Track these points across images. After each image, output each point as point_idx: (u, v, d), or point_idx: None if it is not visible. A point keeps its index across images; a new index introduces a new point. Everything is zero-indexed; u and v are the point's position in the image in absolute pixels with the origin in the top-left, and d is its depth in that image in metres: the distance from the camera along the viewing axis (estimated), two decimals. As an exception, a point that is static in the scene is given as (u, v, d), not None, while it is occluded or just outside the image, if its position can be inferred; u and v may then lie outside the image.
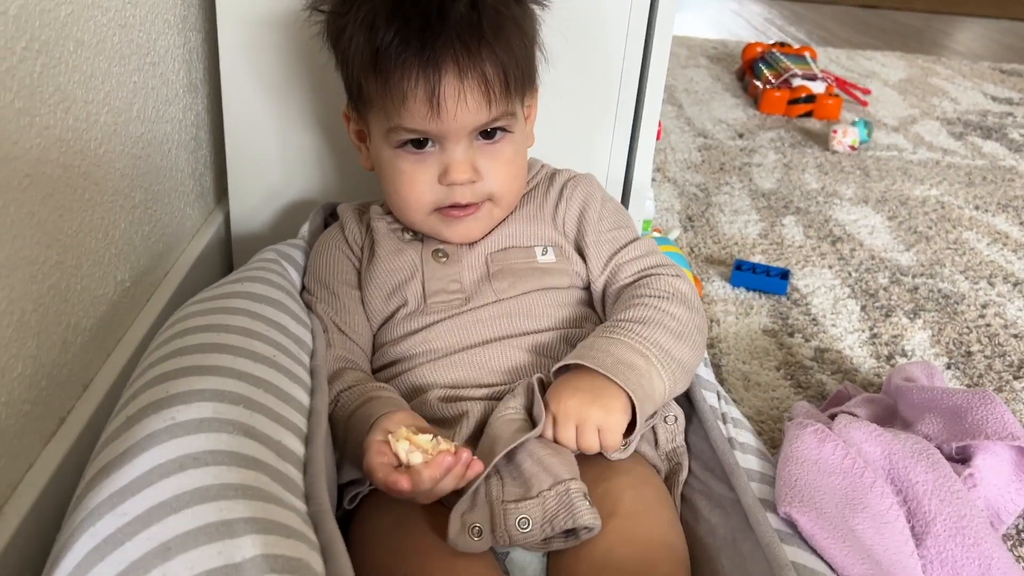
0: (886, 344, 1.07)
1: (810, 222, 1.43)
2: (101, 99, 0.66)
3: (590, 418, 0.60)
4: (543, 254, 0.73)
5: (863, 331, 1.10)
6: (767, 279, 1.17)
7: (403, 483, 0.54)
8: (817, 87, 2.04)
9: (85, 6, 0.63)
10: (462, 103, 0.65)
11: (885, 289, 1.22)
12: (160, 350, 0.58)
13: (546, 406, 0.61)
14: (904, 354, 1.06)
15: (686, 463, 0.68)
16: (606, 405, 0.60)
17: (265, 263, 0.73)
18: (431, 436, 0.57)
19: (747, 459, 0.68)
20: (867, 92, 2.24)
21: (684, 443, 0.69)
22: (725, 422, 0.71)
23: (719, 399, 0.74)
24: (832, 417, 0.77)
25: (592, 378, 0.61)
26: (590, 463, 0.62)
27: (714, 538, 0.63)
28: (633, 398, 0.60)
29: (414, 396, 0.66)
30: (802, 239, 1.36)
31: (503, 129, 0.69)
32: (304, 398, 0.58)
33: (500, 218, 0.73)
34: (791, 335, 1.08)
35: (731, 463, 0.65)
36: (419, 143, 0.68)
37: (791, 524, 0.63)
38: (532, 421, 0.61)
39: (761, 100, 2.05)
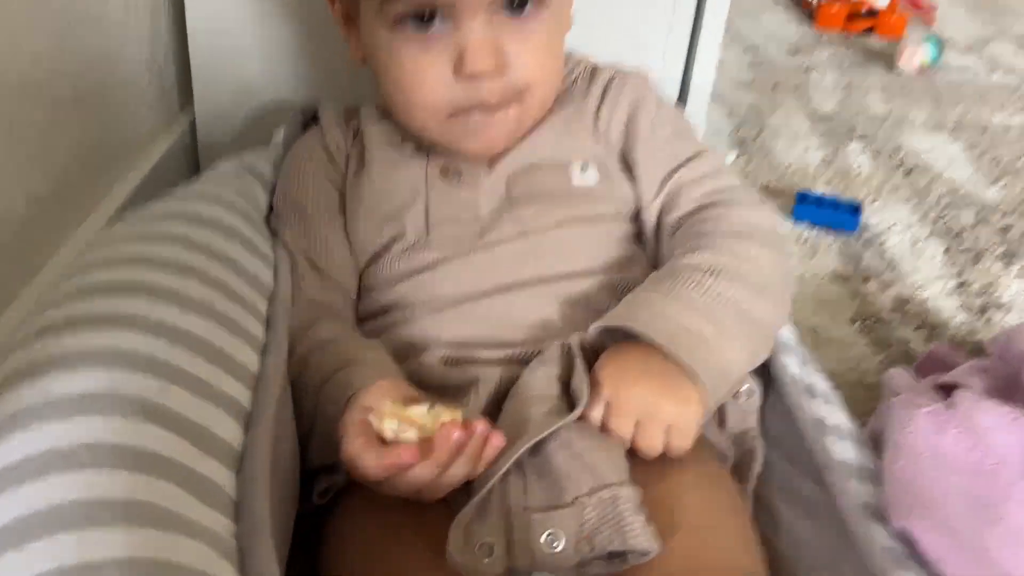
0: (977, 294, 0.90)
1: (878, 150, 1.24)
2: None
3: (660, 414, 0.44)
4: (581, 173, 0.56)
5: (949, 278, 0.93)
6: (835, 213, 0.99)
7: (404, 458, 0.39)
8: (880, 2, 1.81)
9: None
10: None
11: (971, 229, 1.04)
12: (55, 292, 0.42)
13: (596, 384, 0.45)
14: (1000, 307, 0.89)
15: (760, 451, 0.52)
16: (681, 394, 0.44)
17: (221, 176, 0.57)
18: (427, 406, 0.41)
19: (843, 448, 0.52)
20: (933, 8, 2.00)
21: (757, 424, 0.53)
22: (812, 396, 0.55)
23: (803, 365, 0.57)
24: (945, 392, 0.61)
25: (656, 355, 0.45)
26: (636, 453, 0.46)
27: (799, 554, 0.47)
28: (704, 379, 0.44)
29: (409, 357, 0.51)
30: (871, 169, 1.18)
31: (536, 2, 0.51)
32: (251, 359, 0.43)
33: (529, 124, 0.56)
34: (865, 281, 0.91)
35: (824, 454, 0.49)
36: (423, 19, 0.51)
37: (906, 540, 0.47)
38: (569, 398, 0.45)
39: (817, 14, 1.83)
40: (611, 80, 0.59)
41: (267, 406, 0.40)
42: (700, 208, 0.55)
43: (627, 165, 0.58)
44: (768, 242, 0.53)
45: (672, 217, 0.56)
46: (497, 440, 0.40)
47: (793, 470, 0.50)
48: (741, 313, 0.48)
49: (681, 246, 0.53)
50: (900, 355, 0.80)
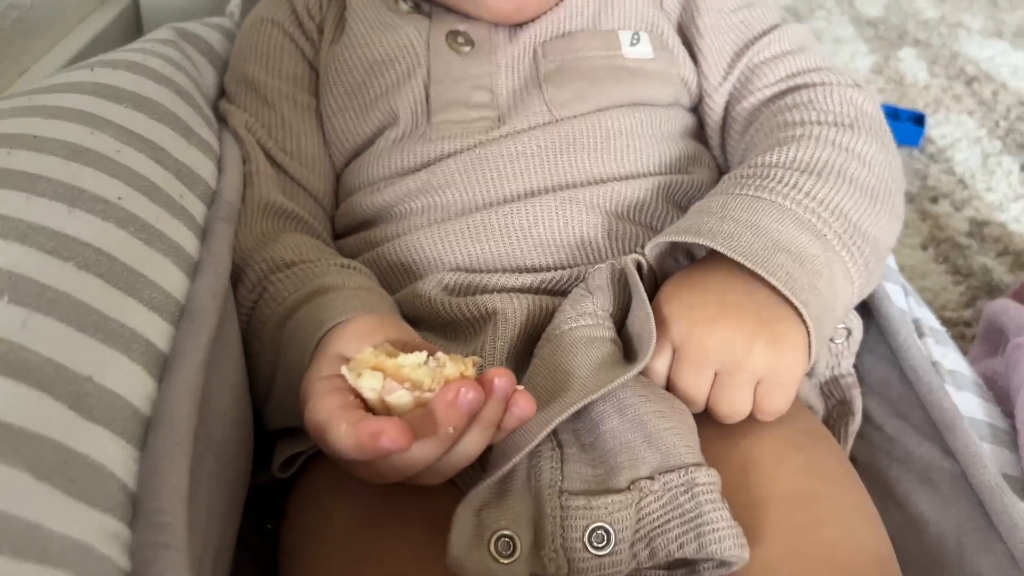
0: (1063, 216, 0.78)
1: (934, 57, 1.10)
2: None
3: (748, 364, 0.32)
4: (632, 44, 0.43)
5: (1029, 198, 0.80)
6: (896, 123, 0.85)
7: (386, 443, 0.26)
8: (924, -102, 1.63)
9: None
10: None
11: (1047, 144, 0.91)
12: None
13: (660, 324, 0.32)
14: (1090, 232, 0.76)
15: (859, 402, 0.40)
16: (777, 337, 0.32)
17: (152, 44, 0.43)
18: (423, 356, 0.28)
19: (965, 400, 0.40)
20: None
21: (854, 369, 0.41)
22: (921, 335, 0.43)
23: (907, 296, 0.45)
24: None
25: (742, 281, 0.33)
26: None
27: (921, 540, 0.36)
28: (807, 318, 0.32)
29: (403, 285, 0.38)
30: (927, 77, 1.04)
31: None
32: (177, 282, 0.30)
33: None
34: (935, 201, 0.78)
35: (947, 409, 0.37)
36: None
37: (1061, 524, 0.36)
38: (624, 343, 0.33)
39: (854, -88, 1.65)
40: (667, -72, 0.45)
41: (195, 348, 0.28)
42: (783, 93, 0.42)
43: (687, 39, 0.45)
44: (878, 134, 0.40)
45: (746, 105, 0.43)
46: (525, 404, 0.27)
47: (903, 428, 0.39)
48: (852, 226, 0.36)
49: (762, 141, 0.40)
50: (984, 286, 0.68)
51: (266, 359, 0.34)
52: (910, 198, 0.79)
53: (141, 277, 0.28)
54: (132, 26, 0.65)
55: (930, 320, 0.44)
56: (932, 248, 0.72)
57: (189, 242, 0.32)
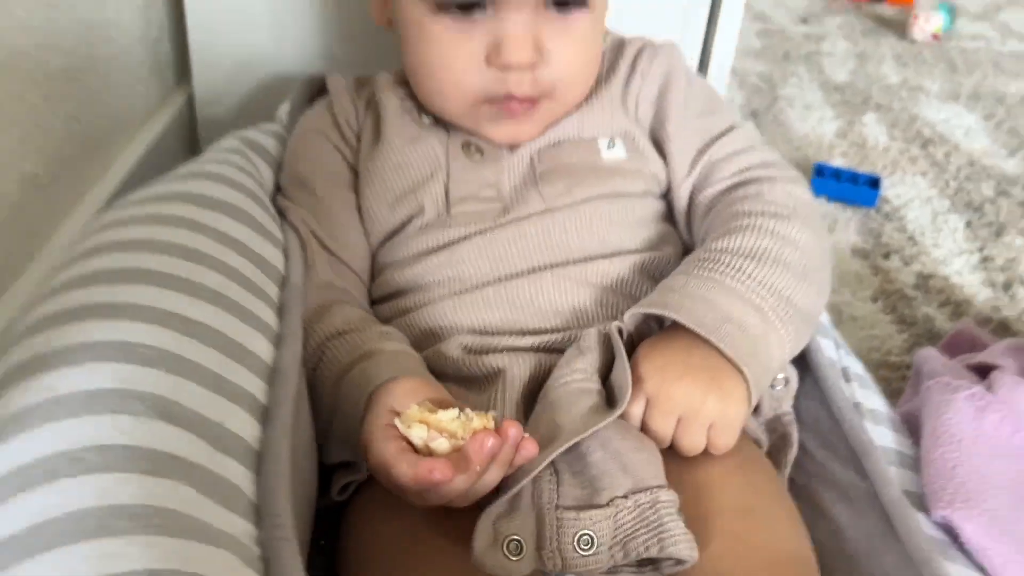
0: (1001, 269, 0.88)
1: (894, 120, 1.22)
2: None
3: (703, 410, 0.42)
4: (609, 148, 0.54)
5: (972, 253, 0.91)
6: (854, 187, 0.97)
7: (437, 476, 0.36)
8: (891, -33, 1.77)
9: None
10: None
11: (992, 202, 1.01)
12: (58, 277, 0.40)
13: (636, 379, 0.42)
14: (1024, 282, 0.87)
15: (795, 436, 0.50)
16: (725, 391, 0.42)
17: (224, 154, 0.54)
18: (456, 412, 0.39)
19: (880, 433, 0.50)
20: (945, -26, 1.95)
21: (792, 409, 0.51)
22: (848, 380, 0.53)
23: (837, 348, 0.55)
24: (978, 373, 0.59)
25: (698, 346, 0.43)
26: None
27: (838, 543, 0.45)
28: (747, 375, 0.42)
29: (428, 345, 0.48)
30: (887, 140, 1.15)
31: (582, 1, 0.49)
32: (264, 350, 0.40)
33: (558, 115, 0.53)
34: (886, 257, 0.89)
35: (863, 441, 0.47)
36: (467, 7, 0.48)
37: (949, 530, 0.45)
38: (607, 392, 0.43)
39: (826, -19, 1.78)
40: (640, 52, 0.56)
41: (285, 400, 0.38)
42: (735, 186, 0.52)
43: (657, 141, 0.55)
44: (809, 221, 0.50)
45: (706, 195, 0.53)
46: (531, 448, 0.37)
47: (830, 456, 0.48)
48: (785, 301, 0.46)
49: (718, 227, 0.50)
50: (925, 333, 0.78)
51: (326, 408, 0.44)
52: (864, 254, 0.89)
53: (244, 349, 0.38)
54: (189, 125, 0.76)
55: (856, 368, 0.54)
56: (881, 300, 0.82)
57: (271, 319, 0.42)
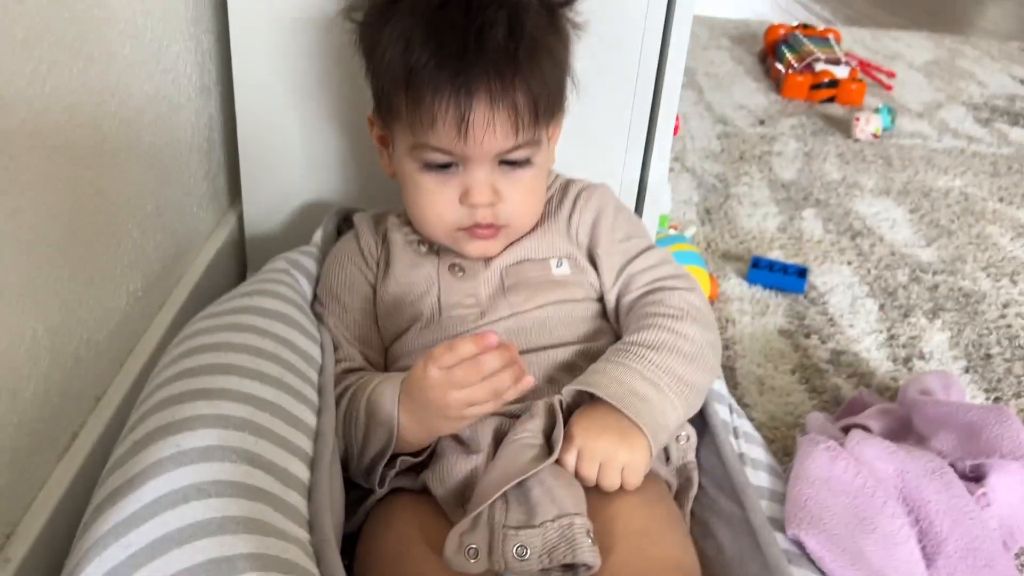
0: (903, 346, 1.06)
1: (830, 215, 1.41)
2: (112, 112, 0.66)
3: (616, 458, 0.59)
4: (558, 267, 0.73)
5: (880, 332, 1.09)
6: (784, 277, 1.16)
7: (492, 336, 0.56)
8: (840, 72, 2.00)
9: (95, 22, 0.63)
10: (490, 130, 0.64)
11: (904, 287, 1.20)
12: (168, 370, 0.58)
13: (569, 436, 0.60)
14: (922, 356, 1.04)
15: (696, 479, 0.67)
16: (632, 444, 0.60)
17: (275, 274, 0.73)
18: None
19: (758, 476, 0.68)
20: (892, 75, 2.19)
21: (695, 459, 0.68)
22: (737, 436, 0.71)
23: (731, 412, 0.73)
24: (846, 430, 0.76)
25: (613, 413, 0.61)
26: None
27: (721, 557, 0.63)
28: (647, 433, 0.60)
29: None
30: (821, 233, 1.34)
31: (527, 160, 0.69)
32: (311, 419, 0.59)
33: (515, 237, 0.73)
34: (807, 336, 1.07)
35: (741, 481, 0.65)
36: (444, 166, 0.68)
37: (800, 545, 0.62)
38: (549, 445, 0.60)
39: (783, 85, 2.01)
40: (580, 193, 0.75)
41: (325, 453, 0.56)
42: (646, 293, 0.71)
43: (592, 259, 0.74)
44: (699, 320, 0.69)
45: (626, 300, 0.72)
46: (528, 380, 0.58)
47: (719, 492, 0.66)
48: (677, 379, 0.64)
49: (633, 324, 0.69)
50: (831, 400, 0.95)
51: (356, 428, 0.62)
52: (789, 334, 1.07)
53: (297, 418, 0.57)
54: (239, 243, 0.96)
55: (746, 427, 0.72)
56: (799, 372, 1.00)
57: (314, 396, 0.61)
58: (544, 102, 0.66)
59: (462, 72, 0.63)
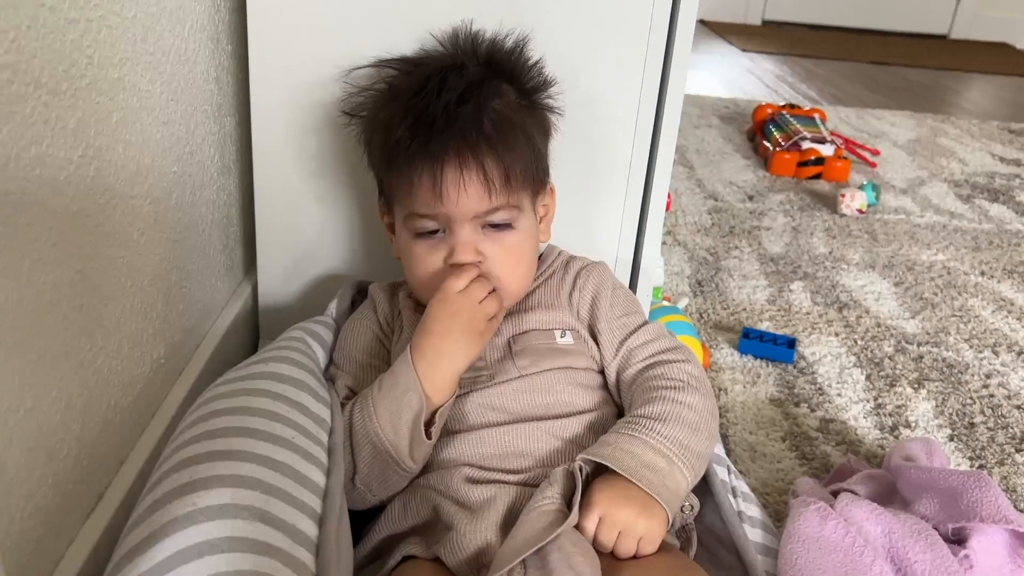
0: (890, 415, 1.10)
1: (817, 288, 1.46)
2: (144, 192, 0.72)
3: (636, 528, 0.62)
4: (561, 337, 0.77)
5: (867, 401, 1.12)
6: (774, 347, 1.20)
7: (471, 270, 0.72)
8: (826, 150, 2.09)
9: (133, 109, 0.69)
10: (463, 191, 0.70)
11: (890, 358, 1.24)
12: (187, 432, 0.62)
13: (590, 503, 0.63)
14: (908, 425, 1.08)
15: (695, 539, 0.70)
16: (651, 515, 0.63)
17: (291, 341, 0.77)
18: None
19: (754, 532, 0.71)
20: (876, 153, 2.28)
21: (693, 523, 0.71)
22: (735, 496, 0.74)
23: (729, 473, 0.77)
24: (835, 494, 0.80)
25: (631, 484, 0.63)
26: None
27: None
28: (664, 505, 0.63)
29: (440, 467, 0.70)
30: (809, 305, 1.39)
31: (508, 224, 0.74)
32: (320, 479, 0.62)
33: (510, 303, 0.77)
34: (797, 405, 1.11)
35: (741, 536, 0.68)
36: (432, 232, 0.73)
37: (790, 602, 0.65)
38: (569, 510, 0.62)
39: (771, 162, 2.10)
40: (580, 271, 0.81)
41: (333, 511, 0.59)
42: (647, 367, 0.75)
43: (593, 333, 0.79)
44: (699, 389, 0.72)
45: (628, 374, 0.76)
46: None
47: (719, 546, 0.69)
48: (685, 449, 0.67)
49: (638, 399, 0.72)
50: (820, 466, 0.99)
51: (363, 449, 0.67)
52: (779, 403, 1.11)
53: (307, 478, 0.60)
54: (253, 311, 1.01)
55: (743, 488, 0.76)
56: (789, 440, 1.03)
57: (323, 457, 0.64)
58: (517, 169, 0.72)
59: (432, 139, 0.71)
